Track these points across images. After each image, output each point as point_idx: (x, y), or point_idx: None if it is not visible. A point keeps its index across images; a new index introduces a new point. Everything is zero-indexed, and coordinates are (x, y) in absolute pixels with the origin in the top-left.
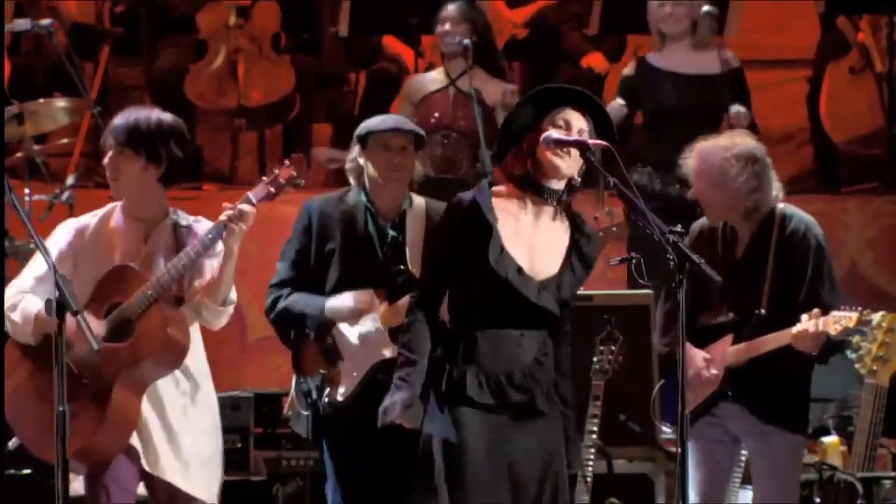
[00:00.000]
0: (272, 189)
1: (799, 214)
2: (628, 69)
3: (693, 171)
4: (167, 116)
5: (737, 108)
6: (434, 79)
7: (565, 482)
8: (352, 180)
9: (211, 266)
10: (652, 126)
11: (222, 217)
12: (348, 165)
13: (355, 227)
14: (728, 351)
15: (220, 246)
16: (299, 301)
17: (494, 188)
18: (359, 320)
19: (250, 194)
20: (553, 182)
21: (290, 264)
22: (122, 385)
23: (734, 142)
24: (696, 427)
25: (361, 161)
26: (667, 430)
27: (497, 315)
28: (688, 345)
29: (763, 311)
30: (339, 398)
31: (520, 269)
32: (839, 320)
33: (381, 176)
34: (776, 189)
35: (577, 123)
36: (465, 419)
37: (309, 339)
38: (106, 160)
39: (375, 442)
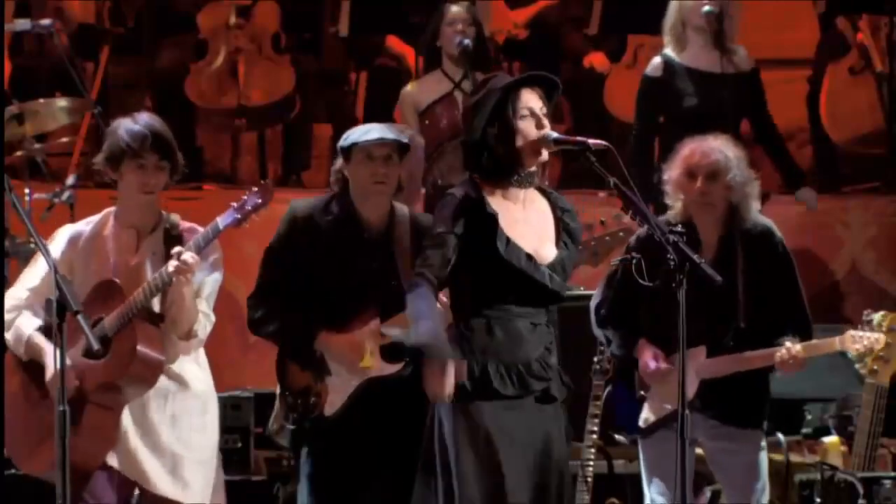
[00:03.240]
0: (238, 216)
1: (761, 217)
2: (652, 70)
3: (688, 165)
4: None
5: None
6: (436, 84)
7: (568, 468)
8: (335, 189)
9: (199, 281)
10: (673, 126)
11: (170, 267)
12: (332, 177)
13: (342, 238)
14: (705, 364)
15: (211, 256)
16: (290, 322)
17: (480, 182)
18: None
19: (219, 220)
20: (531, 165)
21: (273, 271)
22: (96, 403)
23: (721, 140)
24: (656, 435)
25: (346, 172)
26: (621, 439)
27: (513, 304)
28: (643, 341)
29: (742, 324)
30: (327, 413)
31: (529, 257)
32: (860, 340)
33: (366, 187)
34: (757, 197)
35: (536, 104)
36: (488, 414)
37: None
38: (141, 180)
39: (363, 458)
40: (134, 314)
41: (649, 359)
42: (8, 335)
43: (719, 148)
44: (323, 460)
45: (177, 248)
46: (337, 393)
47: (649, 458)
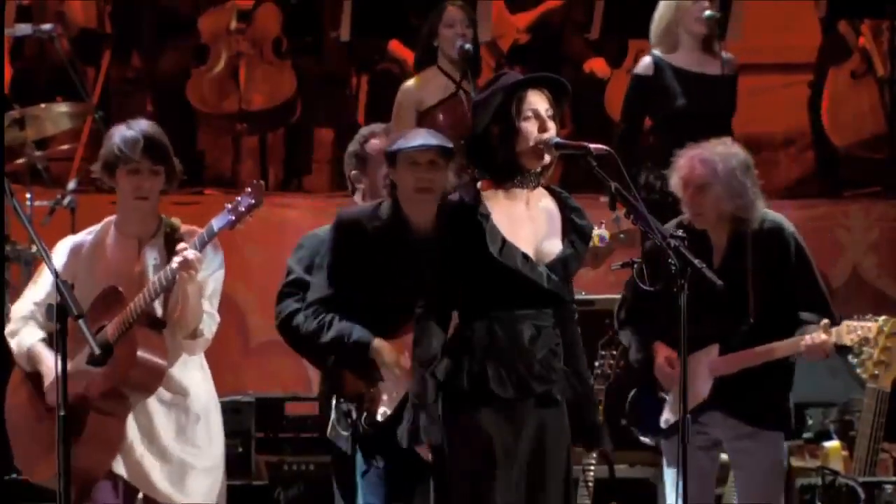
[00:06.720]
0: (233, 217)
1: (771, 213)
2: (642, 69)
3: (680, 177)
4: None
5: None
6: (438, 86)
7: (571, 468)
8: (384, 194)
9: (201, 280)
10: (663, 126)
11: (173, 264)
12: (381, 183)
13: (390, 243)
14: (718, 362)
15: (212, 255)
16: (345, 331)
17: (480, 184)
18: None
19: (213, 222)
20: (532, 167)
21: (327, 280)
22: (99, 410)
23: (719, 148)
24: (678, 436)
25: (393, 177)
26: (645, 440)
27: (514, 306)
28: (658, 343)
29: (752, 319)
30: (379, 418)
31: (526, 257)
32: (854, 330)
33: (411, 192)
34: (760, 198)
35: (542, 106)
36: (486, 418)
37: None
38: (135, 185)
39: (413, 463)
40: (135, 319)
41: (664, 361)
42: (13, 345)
43: (709, 159)
44: (376, 463)
45: (180, 245)
46: (389, 399)
47: (671, 458)
